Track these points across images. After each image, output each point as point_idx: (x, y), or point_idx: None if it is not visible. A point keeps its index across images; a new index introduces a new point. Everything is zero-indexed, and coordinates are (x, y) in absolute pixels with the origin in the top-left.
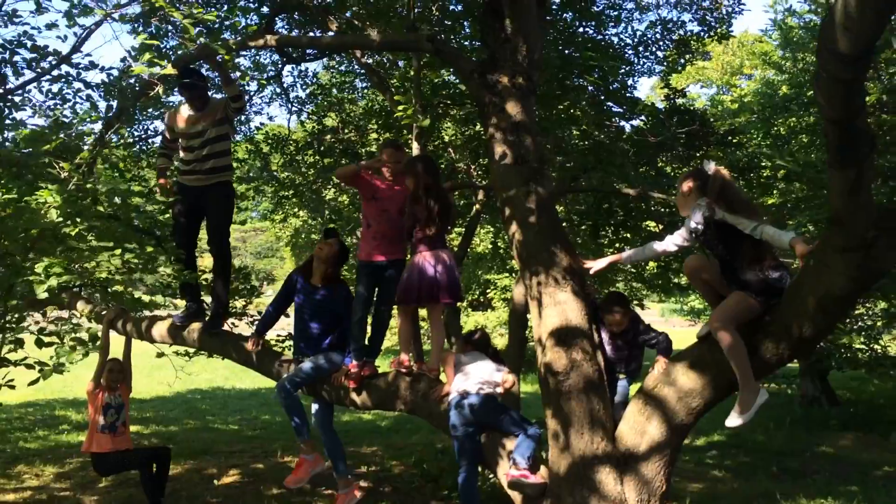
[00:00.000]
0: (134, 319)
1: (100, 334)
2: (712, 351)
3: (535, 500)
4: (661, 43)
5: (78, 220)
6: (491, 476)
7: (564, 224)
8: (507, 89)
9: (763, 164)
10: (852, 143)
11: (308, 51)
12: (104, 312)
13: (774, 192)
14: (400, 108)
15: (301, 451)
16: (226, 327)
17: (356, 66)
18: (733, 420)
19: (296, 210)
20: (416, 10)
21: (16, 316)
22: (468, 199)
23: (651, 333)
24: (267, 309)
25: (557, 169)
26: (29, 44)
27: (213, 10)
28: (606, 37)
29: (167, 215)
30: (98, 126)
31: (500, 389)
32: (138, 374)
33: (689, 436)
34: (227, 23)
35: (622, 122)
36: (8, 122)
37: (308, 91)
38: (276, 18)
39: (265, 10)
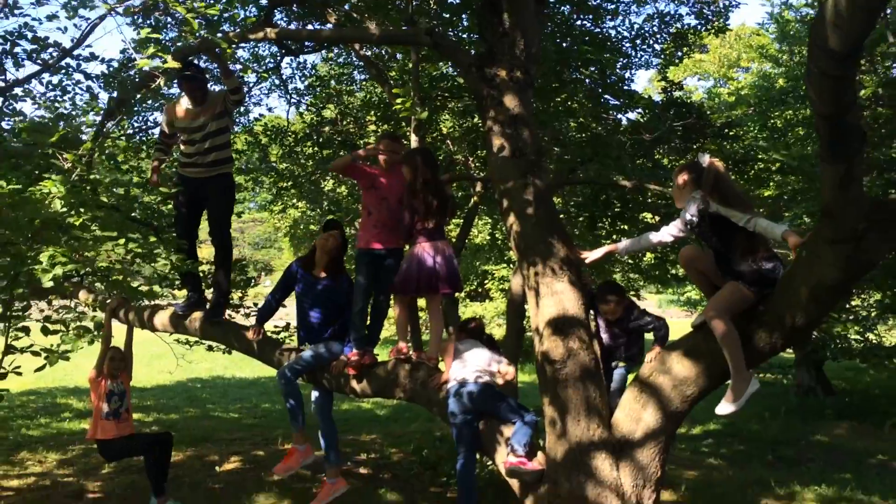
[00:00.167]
0: (136, 308)
1: (104, 321)
2: (707, 340)
3: (532, 487)
4: (658, 36)
5: (81, 210)
6: (489, 463)
7: (562, 216)
8: (504, 83)
9: (759, 156)
10: (843, 138)
11: (307, 43)
12: (108, 301)
13: (771, 184)
14: (398, 100)
15: (294, 440)
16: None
17: (355, 59)
18: (724, 408)
19: (294, 201)
20: (414, 3)
21: (21, 304)
22: (466, 190)
23: (646, 318)
24: (267, 298)
25: (555, 161)
26: (29, 35)
27: (213, 2)
28: (604, 30)
29: (169, 206)
30: (98, 117)
31: (499, 380)
32: (138, 364)
33: (685, 425)
34: (226, 14)
35: (619, 115)
36: (7, 111)
37: (307, 83)
38: (275, 10)
39: (264, 2)
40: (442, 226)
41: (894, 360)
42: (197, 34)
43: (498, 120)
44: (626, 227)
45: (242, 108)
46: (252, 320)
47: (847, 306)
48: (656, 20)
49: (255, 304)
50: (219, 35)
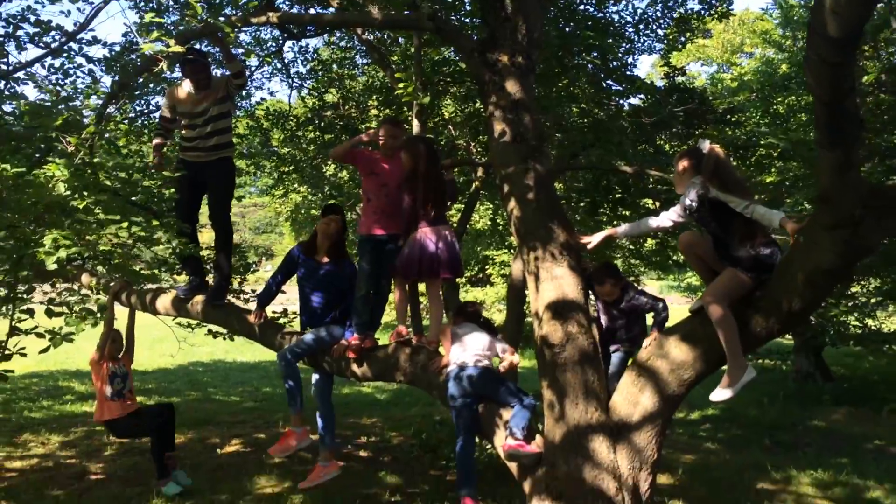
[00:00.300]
0: (138, 292)
1: (106, 304)
2: (704, 325)
3: (531, 469)
4: (661, 21)
5: (85, 193)
6: (488, 446)
7: (563, 201)
8: (506, 68)
9: (761, 142)
10: (841, 125)
11: (309, 27)
12: (111, 285)
13: (773, 170)
14: (400, 85)
15: (291, 421)
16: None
17: (357, 43)
18: (719, 394)
19: (296, 186)
20: None
21: (25, 287)
22: (468, 175)
23: (644, 298)
24: (267, 282)
25: (556, 146)
26: (32, 18)
27: None
28: (607, 14)
29: (171, 191)
30: (100, 101)
31: (504, 365)
32: (140, 347)
33: (683, 410)
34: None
35: (621, 101)
36: (7, 94)
37: (309, 67)
38: None
39: None
40: (443, 212)
41: (893, 347)
42: (199, 17)
43: (499, 105)
44: (627, 212)
45: (244, 92)
46: (252, 305)
47: (847, 293)
48: (660, 4)
49: (254, 291)
50: (221, 19)
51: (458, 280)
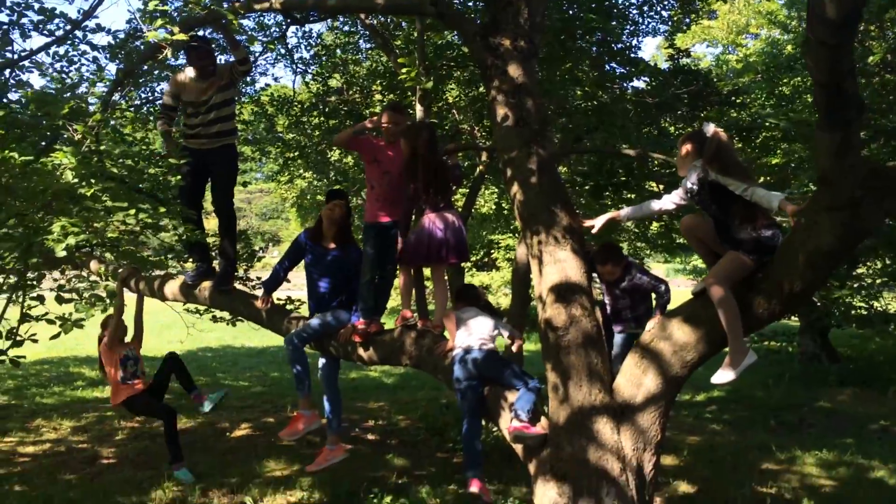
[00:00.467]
0: (146, 278)
1: (116, 290)
2: (706, 307)
3: (536, 451)
4: (665, 2)
5: (92, 181)
6: (494, 429)
7: (568, 185)
8: (508, 52)
9: (766, 123)
10: (841, 106)
11: (312, 12)
12: (119, 271)
13: (778, 151)
14: (403, 70)
15: (300, 405)
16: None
17: (360, 27)
18: (720, 376)
19: (301, 171)
20: None
21: (35, 274)
22: (472, 160)
23: (646, 278)
24: (274, 268)
25: (561, 130)
26: (36, 6)
27: None
28: None
29: (177, 178)
30: (105, 88)
31: (514, 348)
32: (149, 333)
33: (688, 391)
34: None
35: (625, 84)
36: (12, 82)
37: (312, 52)
38: None
39: None
40: (448, 197)
41: None
42: (203, 4)
43: (502, 89)
44: (631, 195)
45: (249, 78)
46: (258, 292)
47: (853, 274)
48: None
49: (259, 278)
50: (225, 5)
51: (463, 264)
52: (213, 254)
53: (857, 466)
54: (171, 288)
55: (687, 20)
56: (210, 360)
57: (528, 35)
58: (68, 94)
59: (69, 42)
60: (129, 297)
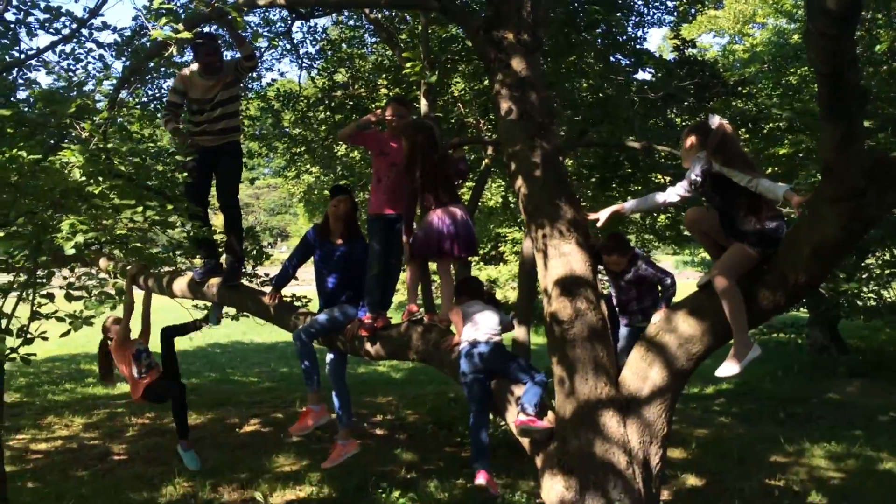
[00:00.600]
0: (155, 275)
1: (125, 288)
2: (711, 299)
3: (542, 444)
4: None
5: (100, 179)
6: (502, 423)
7: (574, 177)
8: (512, 46)
9: (773, 113)
10: (843, 97)
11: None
12: (128, 267)
13: (786, 141)
14: (408, 64)
15: (309, 400)
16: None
17: (365, 22)
18: (725, 370)
19: (308, 166)
20: None
21: (45, 272)
22: (478, 153)
23: (652, 269)
24: (284, 265)
25: (566, 123)
26: (42, 4)
27: None
28: None
29: (184, 175)
30: (112, 85)
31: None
32: (158, 329)
33: (697, 384)
34: None
35: (632, 75)
36: (22, 80)
37: (318, 47)
38: None
39: None
40: (452, 191)
41: None
42: (207, 1)
43: (506, 83)
44: (637, 187)
45: (254, 74)
46: (267, 288)
47: (862, 264)
48: None
49: (267, 275)
50: (230, 1)
51: (470, 258)
52: (221, 250)
53: (866, 458)
54: (180, 285)
55: (693, 10)
56: (220, 357)
57: (532, 28)
58: (75, 93)
59: (76, 40)
60: (137, 294)
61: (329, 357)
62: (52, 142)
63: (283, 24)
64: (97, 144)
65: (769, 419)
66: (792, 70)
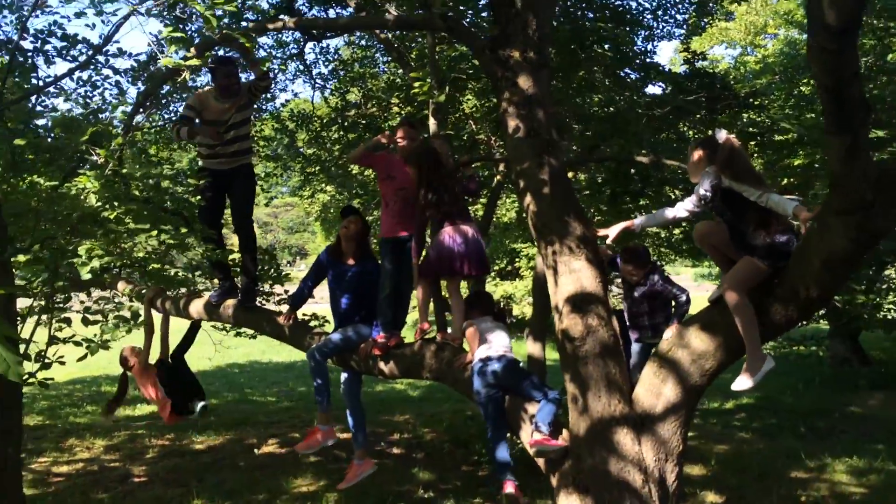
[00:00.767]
0: (172, 298)
1: (141, 312)
2: (723, 314)
3: (558, 463)
4: (679, 6)
5: (115, 203)
6: (518, 441)
7: (587, 192)
8: (518, 64)
9: (783, 126)
10: (847, 110)
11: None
12: (143, 292)
13: (800, 152)
14: (416, 84)
15: (318, 419)
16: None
17: (376, 42)
18: (740, 383)
19: (323, 186)
20: None
21: (62, 296)
22: (490, 170)
23: (666, 285)
24: (300, 285)
25: (578, 138)
26: (59, 33)
27: None
28: (625, 2)
29: (197, 199)
30: (127, 110)
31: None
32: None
33: (717, 399)
34: (248, 3)
35: (643, 89)
36: (40, 108)
37: (330, 67)
38: None
39: None
40: (462, 210)
41: None
42: (217, 28)
43: (513, 101)
44: (648, 202)
45: (268, 95)
46: (283, 308)
47: (882, 276)
48: None
49: (286, 292)
50: (243, 24)
51: (486, 274)
52: (236, 270)
53: (889, 473)
54: (196, 307)
55: (703, 23)
56: (238, 376)
57: (538, 46)
58: (92, 118)
59: (92, 67)
60: (155, 317)
61: (344, 376)
62: (72, 165)
63: (295, 46)
64: (112, 169)
65: (790, 433)
66: (804, 81)
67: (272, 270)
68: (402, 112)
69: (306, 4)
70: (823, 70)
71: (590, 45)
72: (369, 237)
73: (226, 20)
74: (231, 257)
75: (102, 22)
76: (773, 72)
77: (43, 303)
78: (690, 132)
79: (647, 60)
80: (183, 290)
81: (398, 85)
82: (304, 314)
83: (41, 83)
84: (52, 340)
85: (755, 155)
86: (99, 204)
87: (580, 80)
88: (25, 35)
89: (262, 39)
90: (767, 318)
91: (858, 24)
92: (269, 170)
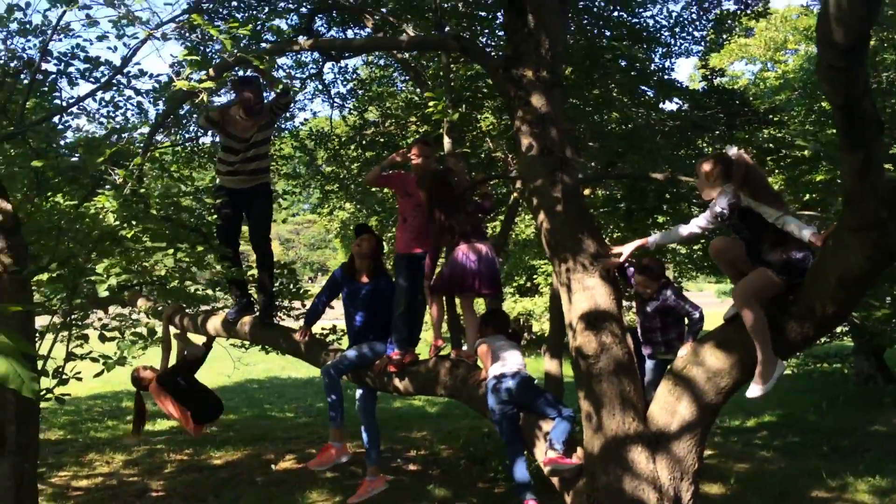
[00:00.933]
0: (190, 315)
1: (157, 329)
2: (739, 332)
3: (572, 482)
4: (697, 23)
5: (133, 222)
6: (533, 460)
7: (604, 209)
8: (531, 83)
9: (798, 144)
10: (859, 127)
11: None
12: (160, 308)
13: (822, 168)
14: (431, 103)
15: (331, 436)
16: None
17: (394, 61)
18: (754, 391)
19: (342, 203)
20: (446, 5)
21: (80, 314)
22: (507, 187)
23: (678, 301)
24: (314, 301)
25: (595, 154)
26: (82, 55)
27: (255, 13)
28: (642, 20)
29: (213, 217)
30: (147, 130)
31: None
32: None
33: (738, 417)
34: (266, 24)
35: (661, 104)
36: (61, 127)
37: (349, 86)
38: (316, 17)
39: (304, 10)
40: (477, 227)
41: None
42: (234, 50)
43: (526, 119)
44: (668, 219)
45: (287, 114)
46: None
47: None
48: (695, 6)
49: (304, 305)
50: (262, 45)
51: (505, 290)
52: (254, 285)
53: None
54: (214, 324)
55: (721, 40)
56: (257, 392)
57: (550, 65)
58: (115, 138)
59: (115, 88)
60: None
61: (359, 393)
62: (91, 186)
63: (314, 66)
64: (131, 189)
65: (812, 452)
66: (824, 97)
67: (291, 286)
68: (420, 131)
69: (325, 25)
70: (833, 87)
71: (604, 62)
72: (382, 254)
73: (244, 42)
74: (249, 273)
75: (124, 45)
76: (793, 88)
77: (61, 320)
78: (709, 149)
79: (665, 77)
80: (204, 307)
81: (415, 104)
82: (322, 328)
83: (64, 104)
84: (70, 357)
85: (776, 171)
86: (117, 223)
87: (596, 97)
88: (49, 58)
89: (282, 60)
90: (783, 336)
91: (866, 43)
92: (289, 188)
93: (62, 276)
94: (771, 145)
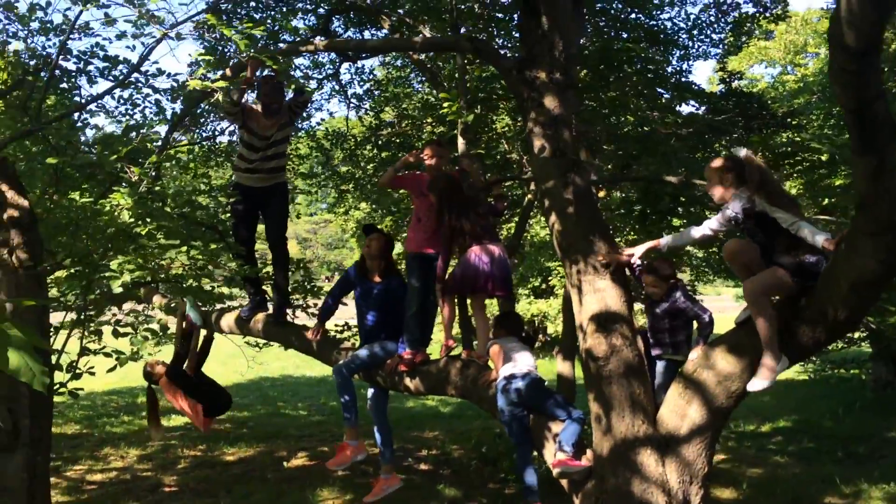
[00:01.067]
0: (204, 313)
1: (170, 325)
2: (750, 336)
3: (581, 484)
4: (715, 26)
5: (148, 220)
6: (543, 461)
7: (620, 211)
8: (544, 85)
9: (814, 147)
10: (872, 131)
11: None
12: (173, 304)
13: (841, 172)
14: (445, 104)
15: (346, 435)
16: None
17: (410, 62)
18: (756, 384)
19: (357, 203)
20: (462, 7)
21: (94, 310)
22: (522, 188)
23: (688, 304)
24: (326, 300)
25: (611, 157)
26: (101, 54)
27: (273, 13)
28: (660, 22)
29: (227, 216)
30: (165, 128)
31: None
32: (214, 363)
33: (753, 422)
34: (281, 25)
35: (677, 107)
36: (80, 124)
37: (365, 87)
38: (333, 18)
39: (322, 11)
40: (489, 229)
41: None
42: (249, 51)
43: (539, 121)
44: (684, 221)
45: (304, 114)
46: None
47: None
48: (713, 9)
49: (316, 304)
50: (279, 46)
51: (520, 291)
52: (268, 283)
53: None
54: (227, 321)
55: (740, 43)
56: (271, 390)
57: (564, 67)
58: (134, 134)
59: (133, 86)
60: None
61: (370, 392)
62: (108, 183)
63: (331, 67)
64: (147, 186)
65: (827, 458)
66: None
67: (305, 283)
68: (435, 132)
69: (342, 26)
70: (844, 91)
71: (619, 64)
72: (392, 252)
73: (262, 41)
74: (265, 270)
75: (142, 44)
76: (812, 91)
77: (75, 315)
78: (725, 153)
79: (682, 80)
80: (219, 305)
81: (431, 104)
82: (335, 325)
83: (83, 101)
84: (83, 352)
85: (794, 175)
86: (132, 220)
87: (612, 99)
88: (68, 56)
89: (299, 60)
90: (795, 340)
91: (878, 48)
92: (307, 187)
93: (79, 272)
94: (788, 149)
